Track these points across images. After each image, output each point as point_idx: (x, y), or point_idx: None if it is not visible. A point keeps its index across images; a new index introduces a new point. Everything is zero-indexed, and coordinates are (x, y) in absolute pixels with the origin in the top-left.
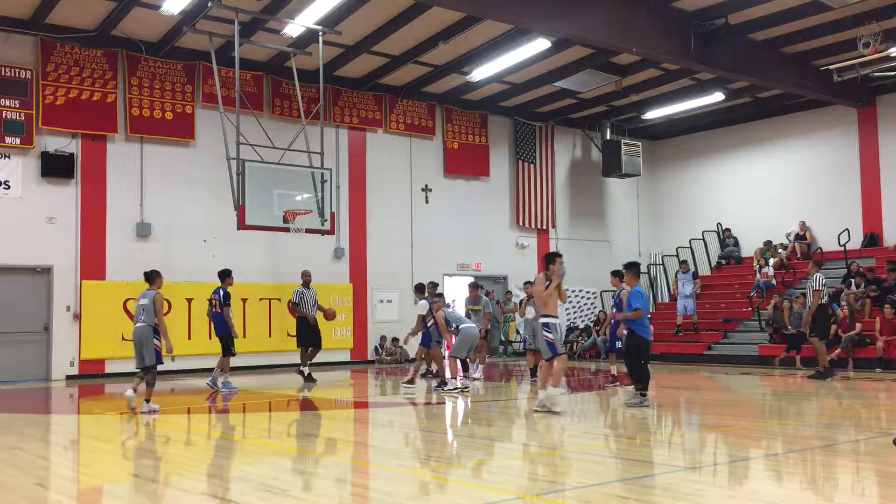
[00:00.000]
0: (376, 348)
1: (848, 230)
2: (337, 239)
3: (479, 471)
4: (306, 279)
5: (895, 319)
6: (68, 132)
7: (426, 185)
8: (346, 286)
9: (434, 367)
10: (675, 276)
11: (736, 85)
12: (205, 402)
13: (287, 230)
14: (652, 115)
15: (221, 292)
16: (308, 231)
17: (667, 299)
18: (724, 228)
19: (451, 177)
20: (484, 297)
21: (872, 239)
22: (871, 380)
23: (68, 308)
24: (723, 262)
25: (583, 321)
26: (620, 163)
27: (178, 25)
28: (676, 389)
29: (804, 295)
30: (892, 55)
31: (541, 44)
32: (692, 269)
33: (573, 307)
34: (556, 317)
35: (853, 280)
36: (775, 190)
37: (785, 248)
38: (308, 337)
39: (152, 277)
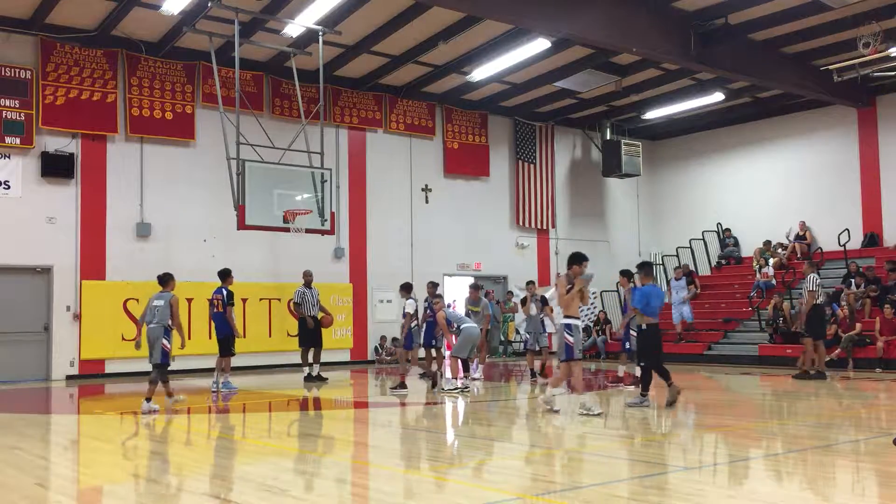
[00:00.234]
0: (376, 348)
1: (848, 230)
2: (337, 239)
3: (479, 471)
4: (308, 279)
5: (895, 319)
6: (68, 132)
7: (426, 185)
8: (346, 286)
9: (434, 367)
10: (668, 285)
11: (736, 85)
12: (205, 402)
13: (287, 230)
14: (652, 115)
15: (224, 292)
16: (308, 231)
17: (666, 299)
18: (724, 228)
19: (451, 177)
20: (484, 298)
21: (872, 239)
22: (871, 380)
23: (68, 308)
24: (723, 262)
25: (583, 321)
26: (620, 163)
27: (178, 25)
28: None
29: (802, 295)
30: (892, 55)
31: (541, 44)
32: (686, 274)
33: None
34: (578, 318)
35: (853, 280)
36: (775, 190)
37: (785, 248)
38: (310, 337)
39: (166, 280)
